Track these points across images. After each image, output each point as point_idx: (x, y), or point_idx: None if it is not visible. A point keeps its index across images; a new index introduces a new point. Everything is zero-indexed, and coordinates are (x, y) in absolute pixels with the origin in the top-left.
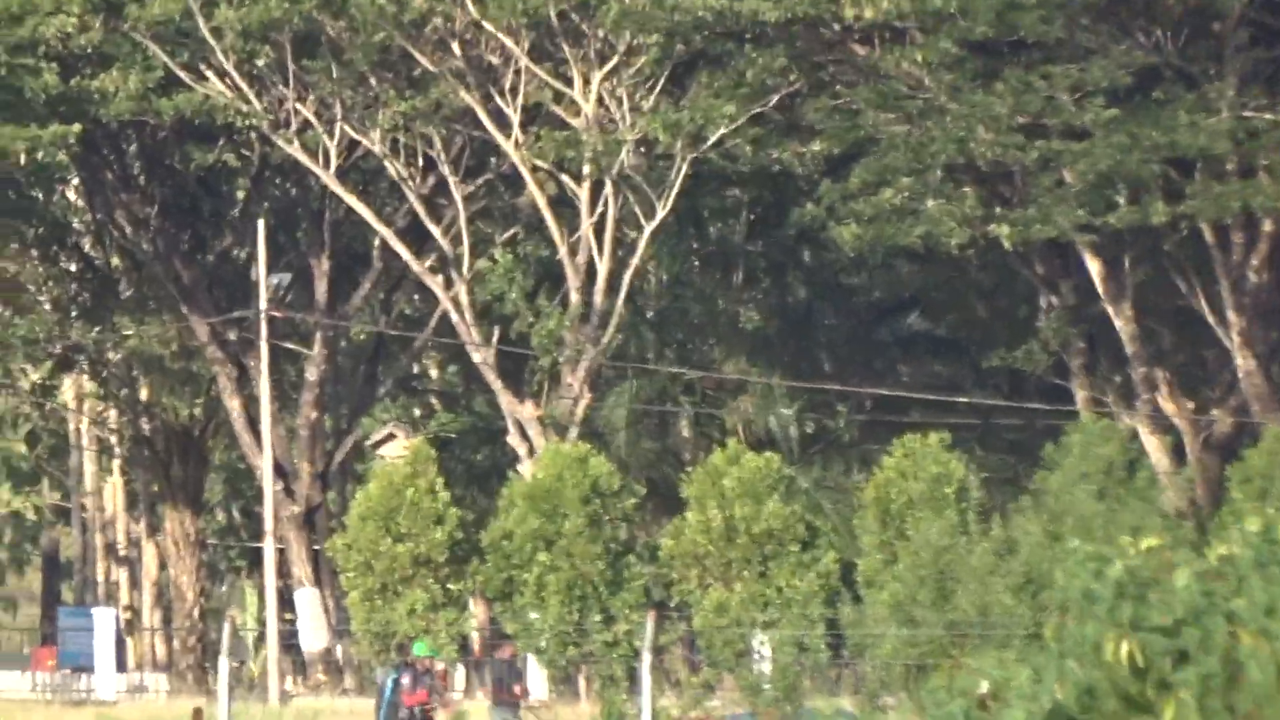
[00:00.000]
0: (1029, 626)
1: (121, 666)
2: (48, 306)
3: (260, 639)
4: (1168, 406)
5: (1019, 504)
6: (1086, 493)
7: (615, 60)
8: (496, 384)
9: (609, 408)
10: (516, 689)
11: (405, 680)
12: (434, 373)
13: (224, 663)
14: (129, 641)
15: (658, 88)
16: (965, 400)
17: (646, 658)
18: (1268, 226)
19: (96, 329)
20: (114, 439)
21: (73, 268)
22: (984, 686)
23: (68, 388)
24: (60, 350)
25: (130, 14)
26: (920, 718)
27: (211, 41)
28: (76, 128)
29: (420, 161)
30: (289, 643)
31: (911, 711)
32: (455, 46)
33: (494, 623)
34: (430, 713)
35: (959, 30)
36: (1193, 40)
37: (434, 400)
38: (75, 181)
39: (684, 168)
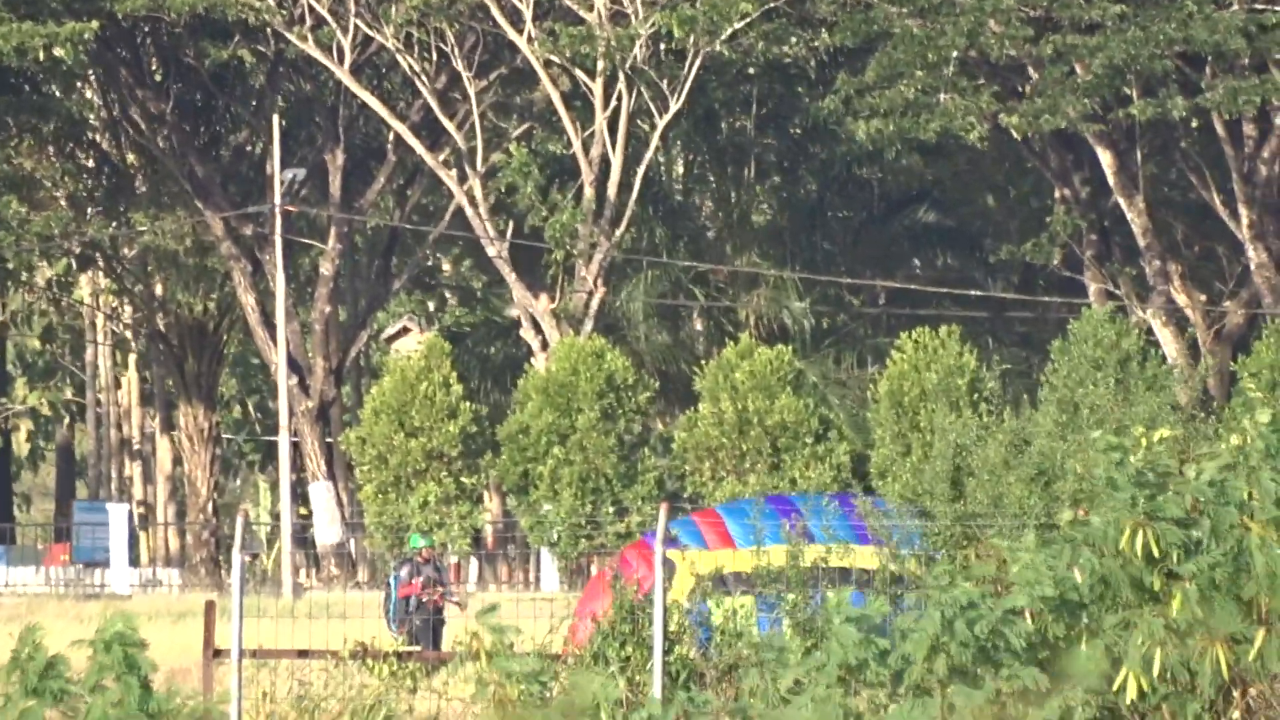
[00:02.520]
0: (1041, 518)
1: (135, 561)
2: (63, 203)
3: (274, 533)
4: (1180, 299)
5: (1033, 396)
6: (1099, 383)
7: None
8: (510, 278)
9: (623, 302)
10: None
11: (403, 573)
12: (448, 267)
13: (237, 556)
14: (143, 536)
15: None
16: (978, 293)
17: (659, 550)
18: None
19: (112, 225)
20: (129, 335)
21: (89, 164)
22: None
23: (84, 284)
24: (77, 247)
25: None
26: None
27: None
28: (93, 25)
29: (434, 56)
30: (302, 536)
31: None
32: None
33: (507, 515)
34: (436, 603)
35: None
36: None
37: (448, 295)
38: (91, 78)
39: (697, 62)
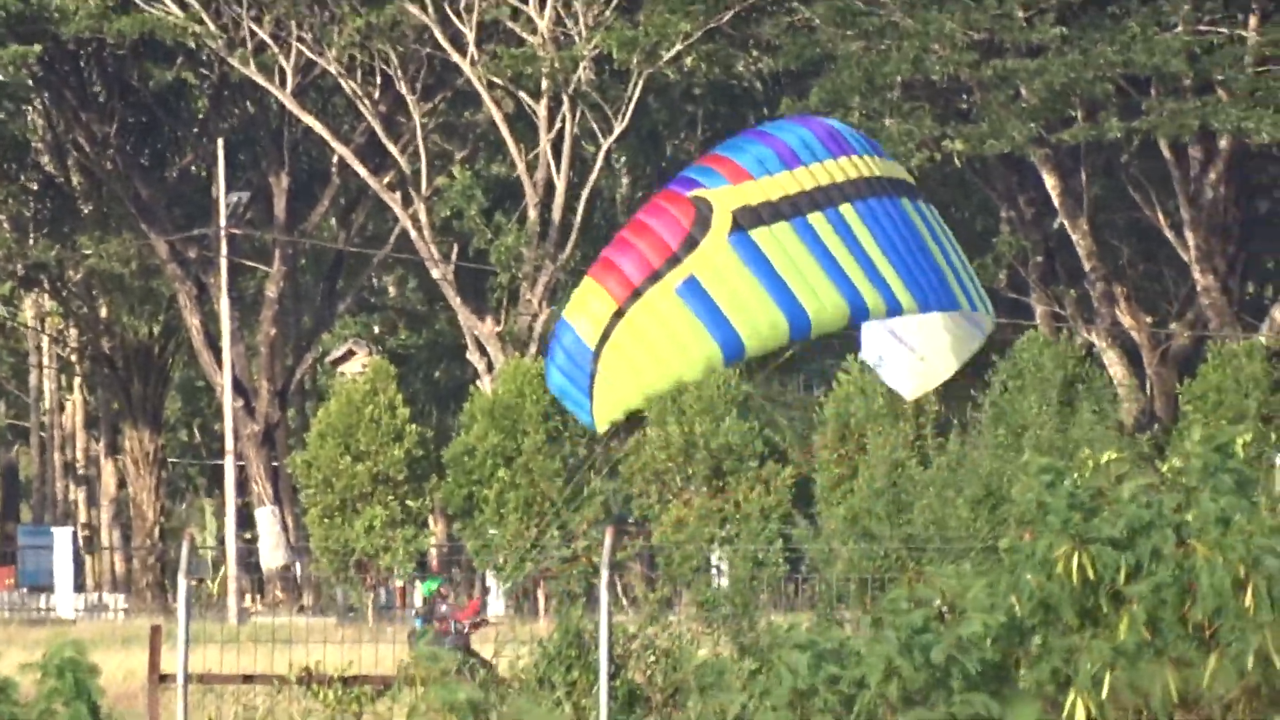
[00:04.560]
0: (986, 540)
1: (80, 585)
2: (7, 225)
3: (219, 557)
4: (1125, 320)
5: (975, 418)
6: (1041, 406)
7: None
8: (455, 300)
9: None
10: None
11: (442, 609)
12: (393, 290)
13: (183, 581)
14: (88, 560)
15: (613, 3)
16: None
17: (605, 574)
18: (1224, 142)
19: (57, 247)
20: (74, 357)
21: (33, 187)
22: (939, 599)
23: (27, 306)
24: (21, 269)
25: None
26: (876, 630)
27: None
28: (36, 48)
29: (378, 79)
30: (248, 561)
31: (868, 626)
32: None
33: (453, 539)
34: (474, 628)
35: None
36: None
37: (394, 317)
38: (35, 101)
39: (640, 83)
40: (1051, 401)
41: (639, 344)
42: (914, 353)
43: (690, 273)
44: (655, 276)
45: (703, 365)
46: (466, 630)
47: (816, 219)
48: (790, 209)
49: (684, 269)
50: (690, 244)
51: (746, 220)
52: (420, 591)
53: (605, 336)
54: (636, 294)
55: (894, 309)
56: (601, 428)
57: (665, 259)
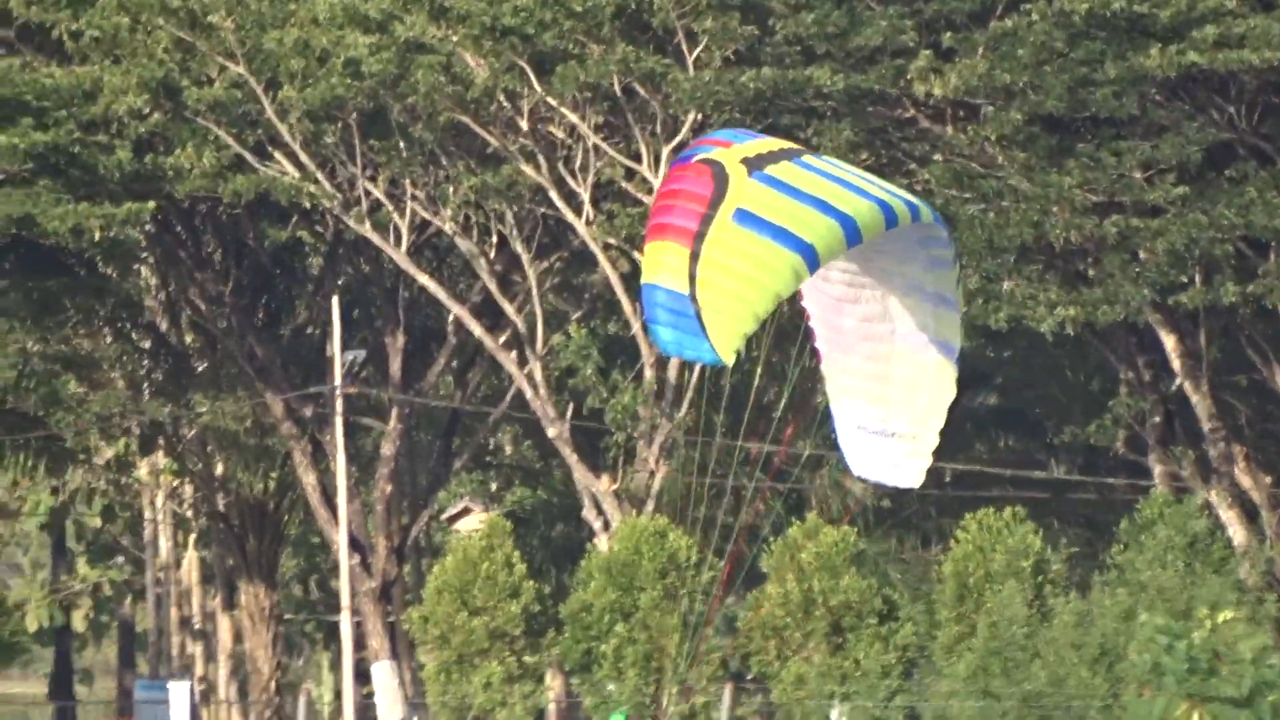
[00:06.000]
0: (1104, 699)
1: None
2: (121, 383)
3: (336, 712)
4: (1244, 481)
5: (1098, 578)
6: (1168, 566)
7: (683, 135)
8: (571, 458)
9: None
10: None
11: None
12: (509, 447)
13: None
14: (204, 714)
15: None
16: (1041, 474)
17: None
18: None
19: (170, 405)
20: (189, 513)
21: (146, 344)
22: None
23: (142, 464)
24: (136, 427)
25: (190, 95)
26: None
27: (276, 122)
28: (150, 205)
29: (493, 239)
30: (366, 716)
31: None
32: (523, 123)
33: (570, 695)
34: None
35: (1030, 105)
36: (1266, 116)
37: (509, 474)
38: (148, 259)
39: None
40: (1172, 562)
41: (725, 274)
42: (895, 437)
43: (736, 205)
44: (707, 219)
45: (791, 276)
46: None
47: (807, 159)
48: (782, 154)
49: (729, 205)
50: (721, 189)
51: (756, 164)
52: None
53: (693, 279)
54: (699, 237)
55: (910, 210)
56: (729, 359)
57: (706, 204)
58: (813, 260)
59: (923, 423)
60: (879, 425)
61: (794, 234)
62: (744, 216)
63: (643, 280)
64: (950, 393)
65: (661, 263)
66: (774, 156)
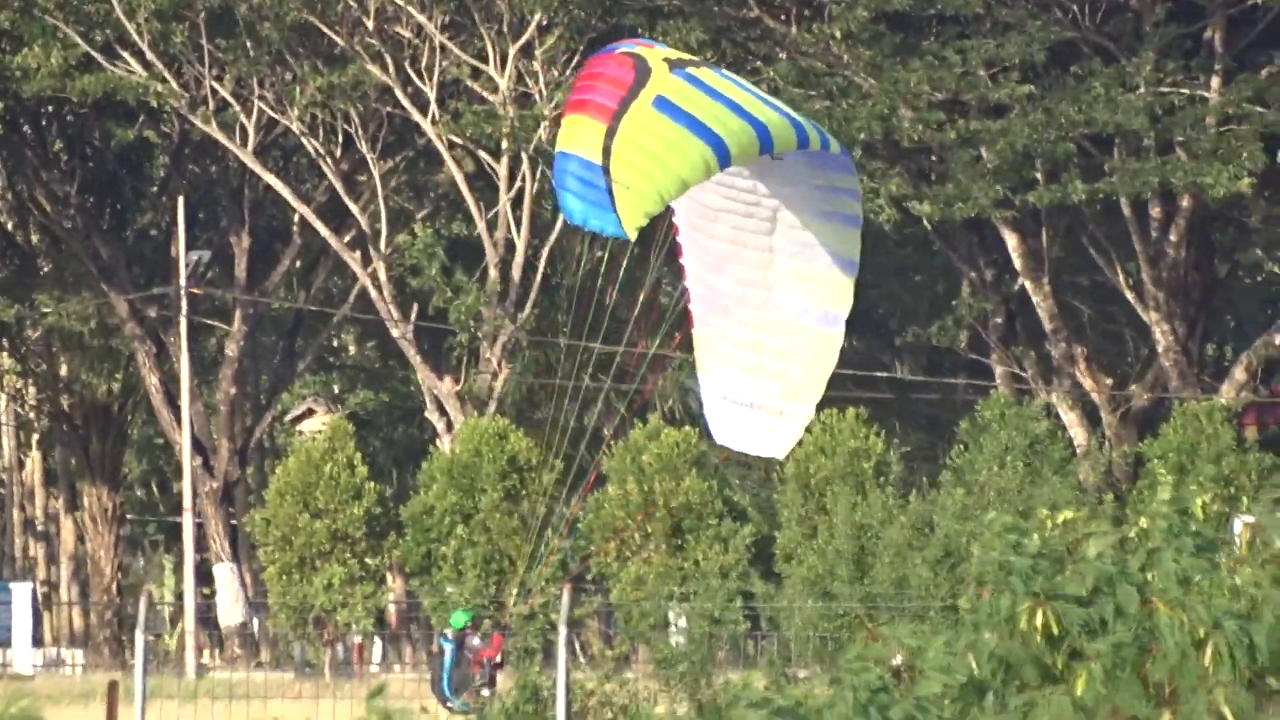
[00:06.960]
0: (946, 600)
1: (38, 641)
2: None
3: (177, 613)
4: (1086, 382)
5: (938, 479)
6: (1007, 467)
7: (529, 35)
8: (415, 359)
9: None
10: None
11: (475, 642)
12: (352, 349)
13: (140, 637)
14: (46, 616)
15: (574, 62)
16: (884, 374)
17: (563, 631)
18: (1185, 202)
19: (16, 306)
20: (33, 415)
21: None
22: (898, 658)
23: None
24: None
25: None
26: (833, 689)
27: (125, 21)
28: None
29: (339, 139)
30: (205, 617)
31: (825, 683)
32: (369, 23)
33: (410, 597)
34: (496, 670)
35: (876, 2)
36: (1110, 15)
37: (353, 376)
38: None
39: None
40: (1012, 463)
41: (638, 152)
42: (761, 409)
43: (657, 93)
44: (625, 102)
45: (701, 166)
46: (490, 668)
47: (727, 71)
48: (704, 62)
49: (650, 91)
50: (642, 78)
51: (679, 64)
52: (451, 624)
53: (607, 152)
54: (617, 116)
55: (822, 139)
56: (632, 233)
57: (627, 89)
58: (724, 155)
59: (795, 395)
60: (746, 396)
61: (709, 127)
62: (663, 104)
63: (557, 148)
64: (831, 361)
65: (577, 135)
66: (695, 63)
